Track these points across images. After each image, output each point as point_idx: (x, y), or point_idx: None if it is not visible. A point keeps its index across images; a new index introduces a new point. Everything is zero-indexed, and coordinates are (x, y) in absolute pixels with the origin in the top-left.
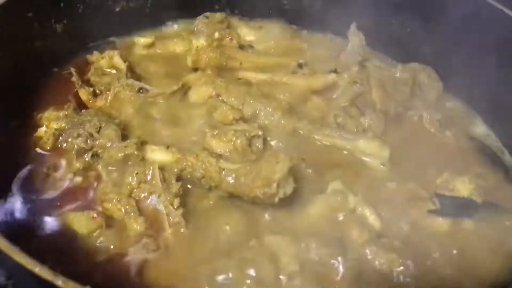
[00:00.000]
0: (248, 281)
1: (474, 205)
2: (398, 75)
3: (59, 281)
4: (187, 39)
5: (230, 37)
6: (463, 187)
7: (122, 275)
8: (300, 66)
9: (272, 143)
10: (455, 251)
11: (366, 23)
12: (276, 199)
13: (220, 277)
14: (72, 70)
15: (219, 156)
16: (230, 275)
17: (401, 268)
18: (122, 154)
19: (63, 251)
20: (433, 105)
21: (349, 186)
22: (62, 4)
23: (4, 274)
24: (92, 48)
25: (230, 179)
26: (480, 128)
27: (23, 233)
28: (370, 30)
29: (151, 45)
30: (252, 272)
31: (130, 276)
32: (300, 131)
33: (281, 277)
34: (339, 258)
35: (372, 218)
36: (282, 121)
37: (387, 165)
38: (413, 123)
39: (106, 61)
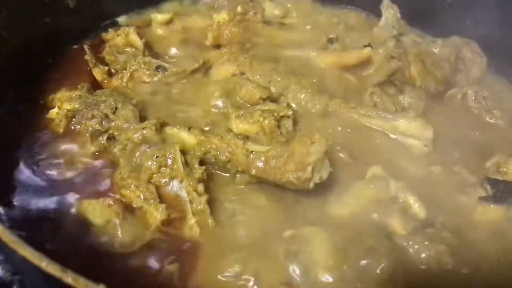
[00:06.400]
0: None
1: None
2: (437, 50)
3: (68, 277)
4: (207, 15)
5: (254, 11)
6: None
7: (142, 271)
8: (330, 41)
9: (302, 124)
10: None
11: None
12: (311, 184)
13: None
14: (86, 47)
15: (246, 138)
16: (261, 269)
17: (451, 261)
18: (140, 136)
19: (75, 242)
20: (477, 82)
21: (389, 171)
22: None
23: (10, 270)
24: (106, 26)
25: (259, 163)
26: None
27: (32, 224)
28: (405, 2)
29: (169, 22)
30: (286, 266)
31: (150, 273)
32: (332, 111)
33: (317, 272)
34: (380, 251)
35: (416, 206)
36: (313, 100)
37: (431, 147)
38: (457, 101)
39: (122, 39)
